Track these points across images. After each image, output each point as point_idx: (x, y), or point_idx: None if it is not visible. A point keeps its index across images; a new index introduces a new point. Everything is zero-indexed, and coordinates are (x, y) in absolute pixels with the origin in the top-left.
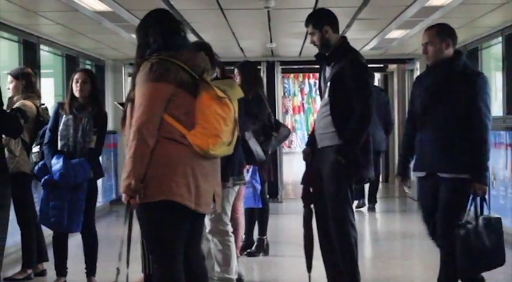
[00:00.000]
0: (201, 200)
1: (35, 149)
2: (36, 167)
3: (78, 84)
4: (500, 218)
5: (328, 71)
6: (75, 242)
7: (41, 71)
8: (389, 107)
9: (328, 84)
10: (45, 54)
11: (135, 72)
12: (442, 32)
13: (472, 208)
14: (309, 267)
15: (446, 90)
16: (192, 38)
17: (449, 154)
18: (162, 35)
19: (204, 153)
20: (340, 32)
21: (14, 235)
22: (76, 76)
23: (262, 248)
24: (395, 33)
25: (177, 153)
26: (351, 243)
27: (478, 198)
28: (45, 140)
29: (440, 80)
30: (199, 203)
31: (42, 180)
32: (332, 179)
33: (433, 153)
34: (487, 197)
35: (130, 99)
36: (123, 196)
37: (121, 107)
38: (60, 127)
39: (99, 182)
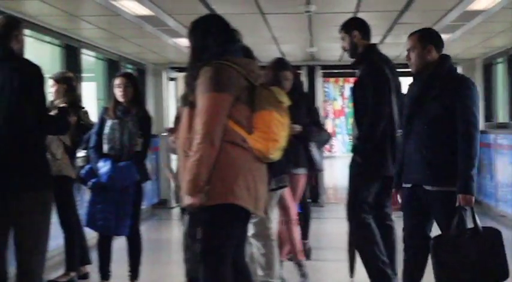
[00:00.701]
0: (259, 203)
1: (81, 153)
2: (83, 171)
3: (121, 89)
4: (497, 231)
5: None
6: (117, 246)
7: (83, 75)
8: None
9: (351, 89)
10: (87, 58)
11: (193, 75)
12: (423, 38)
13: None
14: (352, 271)
15: (428, 98)
16: None
17: (433, 166)
18: (220, 41)
19: (263, 157)
20: (381, 37)
21: (56, 238)
22: (117, 81)
23: (304, 252)
24: None
25: (238, 157)
26: (370, 244)
27: (469, 209)
28: (91, 144)
29: (423, 87)
30: (258, 206)
31: (90, 183)
32: (351, 179)
33: (417, 164)
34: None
35: (189, 102)
36: (187, 199)
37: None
38: (107, 131)
39: None
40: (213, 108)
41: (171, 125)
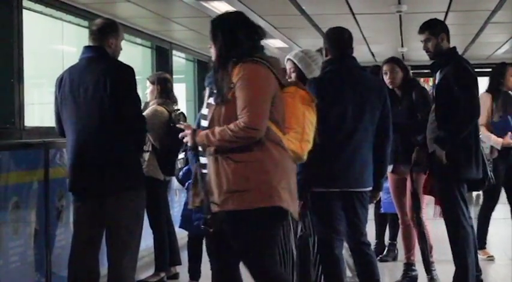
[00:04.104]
0: (296, 205)
1: (180, 155)
2: (181, 173)
3: None
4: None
5: (437, 78)
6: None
7: (173, 76)
8: None
9: (435, 89)
10: (177, 59)
11: (228, 72)
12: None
13: None
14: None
15: None
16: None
17: None
18: (250, 38)
19: (297, 158)
20: (472, 36)
21: (146, 239)
22: None
23: (393, 253)
24: None
25: (281, 158)
26: (462, 247)
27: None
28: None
29: None
30: (295, 209)
31: (186, 184)
32: (437, 180)
33: None
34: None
35: (225, 99)
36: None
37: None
38: None
39: None
40: (255, 83)
41: None
